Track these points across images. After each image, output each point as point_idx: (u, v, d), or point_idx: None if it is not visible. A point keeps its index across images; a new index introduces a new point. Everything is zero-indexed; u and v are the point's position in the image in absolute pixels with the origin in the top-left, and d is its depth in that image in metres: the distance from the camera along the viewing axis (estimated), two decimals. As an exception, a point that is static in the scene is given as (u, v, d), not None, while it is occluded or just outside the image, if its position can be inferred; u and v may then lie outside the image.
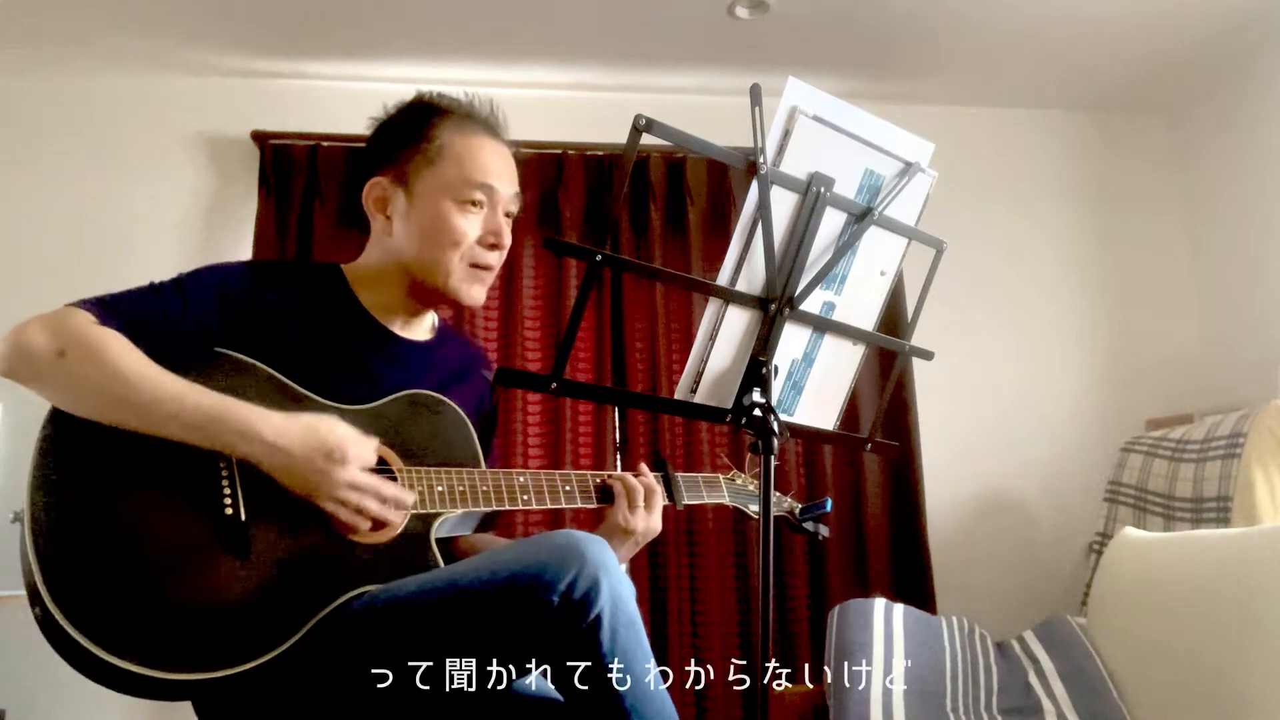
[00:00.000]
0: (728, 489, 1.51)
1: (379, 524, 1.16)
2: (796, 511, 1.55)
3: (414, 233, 1.30)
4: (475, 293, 1.33)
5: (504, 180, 1.33)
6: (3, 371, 1.11)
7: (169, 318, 1.16)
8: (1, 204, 2.73)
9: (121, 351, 1.09)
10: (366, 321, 1.32)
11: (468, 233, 1.30)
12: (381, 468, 1.20)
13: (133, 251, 2.71)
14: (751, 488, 1.54)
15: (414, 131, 1.33)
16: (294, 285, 1.28)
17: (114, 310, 1.14)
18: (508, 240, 1.34)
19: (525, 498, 1.27)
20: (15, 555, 1.03)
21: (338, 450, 1.11)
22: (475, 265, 1.31)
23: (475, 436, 1.33)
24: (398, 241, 1.32)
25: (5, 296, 2.58)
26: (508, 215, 1.35)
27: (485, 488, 1.25)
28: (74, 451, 1.07)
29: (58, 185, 2.75)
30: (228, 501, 1.09)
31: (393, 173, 1.32)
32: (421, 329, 1.40)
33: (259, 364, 1.19)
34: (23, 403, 1.12)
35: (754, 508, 1.50)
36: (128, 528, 1.05)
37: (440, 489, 1.21)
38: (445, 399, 1.31)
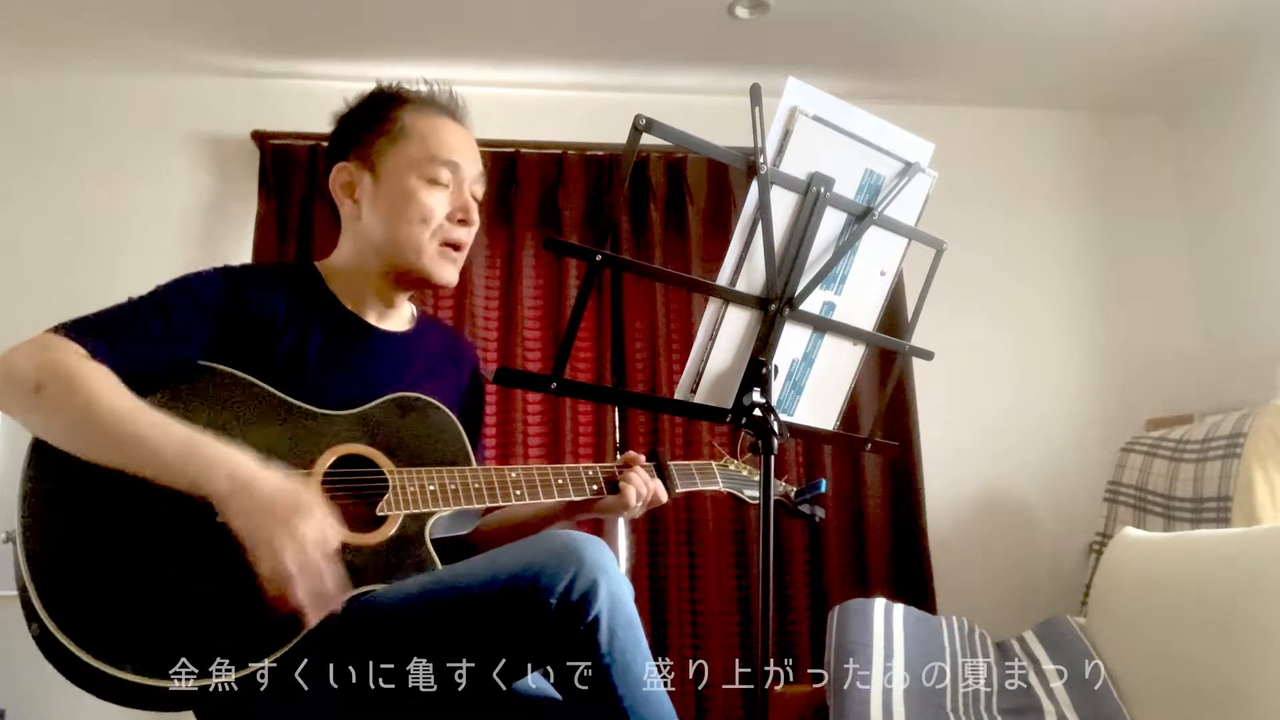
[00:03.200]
0: (721, 475, 1.51)
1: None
2: (792, 494, 1.54)
3: (383, 212, 1.31)
4: (448, 272, 1.34)
5: (468, 159, 1.34)
6: None
7: (151, 336, 1.13)
8: (1, 204, 2.73)
9: (100, 393, 1.04)
10: (345, 317, 1.32)
11: (435, 210, 1.30)
12: (371, 470, 1.20)
13: (133, 251, 2.71)
14: (745, 472, 1.54)
15: (377, 117, 1.34)
16: (273, 290, 1.27)
17: (99, 334, 1.10)
18: (476, 218, 1.36)
19: (518, 493, 1.27)
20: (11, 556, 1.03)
21: (306, 510, 1.01)
22: (447, 244, 1.33)
23: (464, 434, 1.32)
24: (367, 225, 1.33)
25: (5, 296, 2.59)
26: (474, 197, 1.36)
27: (478, 485, 1.25)
28: (62, 465, 1.05)
29: (58, 185, 2.76)
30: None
31: (358, 156, 1.33)
32: (400, 320, 1.40)
33: (245, 375, 1.18)
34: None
35: (749, 492, 1.51)
36: (120, 539, 1.04)
37: (432, 488, 1.21)
38: (432, 400, 1.31)
